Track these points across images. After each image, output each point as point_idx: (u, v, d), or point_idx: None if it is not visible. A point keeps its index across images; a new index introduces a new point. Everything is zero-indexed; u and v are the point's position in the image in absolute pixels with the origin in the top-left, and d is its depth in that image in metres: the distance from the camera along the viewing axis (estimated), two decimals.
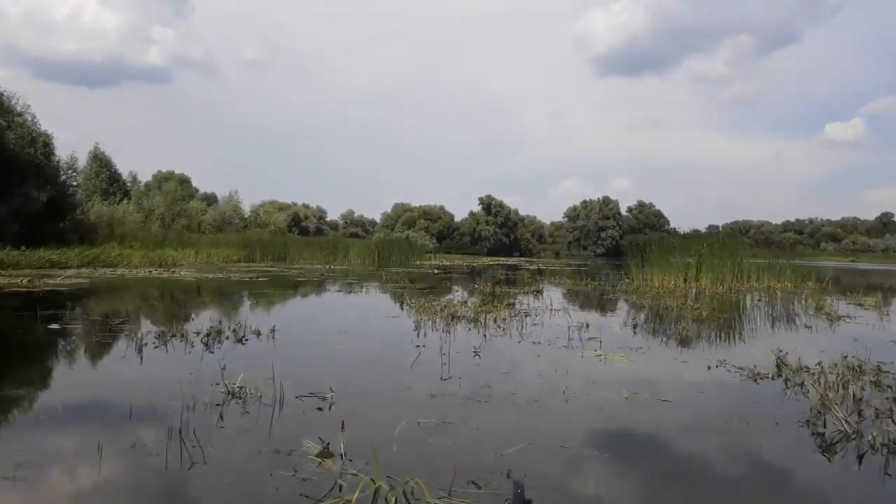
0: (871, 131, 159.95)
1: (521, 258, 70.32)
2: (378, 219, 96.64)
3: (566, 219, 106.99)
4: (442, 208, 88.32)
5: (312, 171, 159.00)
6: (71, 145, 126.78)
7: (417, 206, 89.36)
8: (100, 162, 37.66)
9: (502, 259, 59.54)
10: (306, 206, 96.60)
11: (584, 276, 25.62)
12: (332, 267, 29.07)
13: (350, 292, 15.21)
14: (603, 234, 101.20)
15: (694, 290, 17.31)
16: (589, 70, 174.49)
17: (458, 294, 14.96)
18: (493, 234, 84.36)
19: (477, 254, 79.50)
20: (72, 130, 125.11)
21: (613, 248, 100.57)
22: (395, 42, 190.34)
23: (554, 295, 15.38)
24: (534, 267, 37.39)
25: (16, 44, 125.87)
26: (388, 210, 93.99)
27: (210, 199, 76.43)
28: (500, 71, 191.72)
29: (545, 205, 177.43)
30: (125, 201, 34.63)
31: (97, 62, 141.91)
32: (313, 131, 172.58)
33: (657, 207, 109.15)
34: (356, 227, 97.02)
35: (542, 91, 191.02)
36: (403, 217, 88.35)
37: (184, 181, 77.36)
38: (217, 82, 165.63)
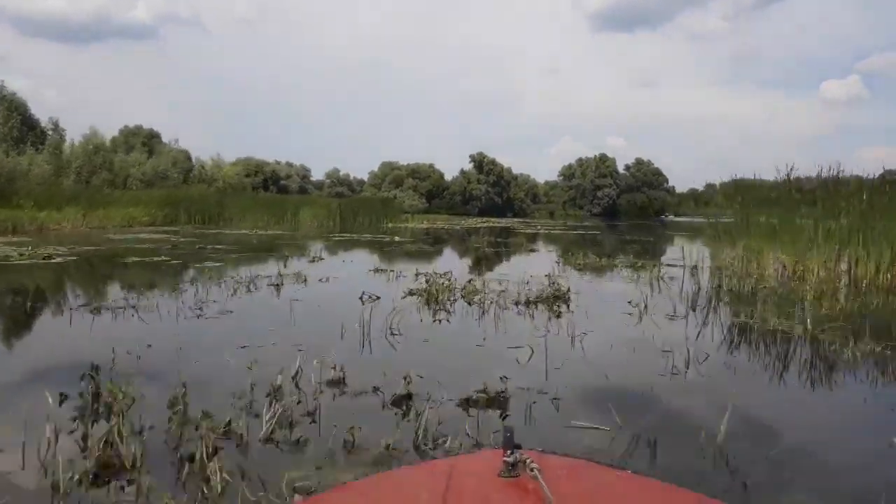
0: (868, 88, 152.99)
1: (515, 219, 63.77)
2: (367, 178, 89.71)
3: (561, 178, 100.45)
4: (431, 167, 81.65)
5: (301, 130, 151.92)
6: (57, 104, 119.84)
7: (405, 164, 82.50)
8: (8, 105, 30.80)
9: (494, 220, 53.03)
10: (290, 165, 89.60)
11: (593, 245, 19.34)
12: (270, 232, 22.68)
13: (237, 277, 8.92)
14: (599, 194, 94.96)
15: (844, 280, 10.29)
16: (585, 26, 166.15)
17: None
18: (484, 194, 77.84)
19: (468, 214, 73.10)
20: (57, 88, 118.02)
21: (610, 207, 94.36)
22: None
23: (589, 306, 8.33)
24: (530, 229, 31.12)
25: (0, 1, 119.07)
26: (376, 169, 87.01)
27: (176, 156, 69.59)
28: (495, 27, 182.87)
29: (539, 164, 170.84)
30: (33, 152, 27.94)
31: (83, 19, 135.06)
32: (303, 90, 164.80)
33: (656, 165, 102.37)
34: (342, 187, 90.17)
35: (536, 47, 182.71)
36: (391, 176, 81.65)
37: (153, 136, 70.56)
38: (206, 40, 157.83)
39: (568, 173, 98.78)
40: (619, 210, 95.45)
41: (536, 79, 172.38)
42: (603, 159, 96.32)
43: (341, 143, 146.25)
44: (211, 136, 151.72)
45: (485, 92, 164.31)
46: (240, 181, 49.70)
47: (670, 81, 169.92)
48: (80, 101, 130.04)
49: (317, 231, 23.92)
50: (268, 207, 28.25)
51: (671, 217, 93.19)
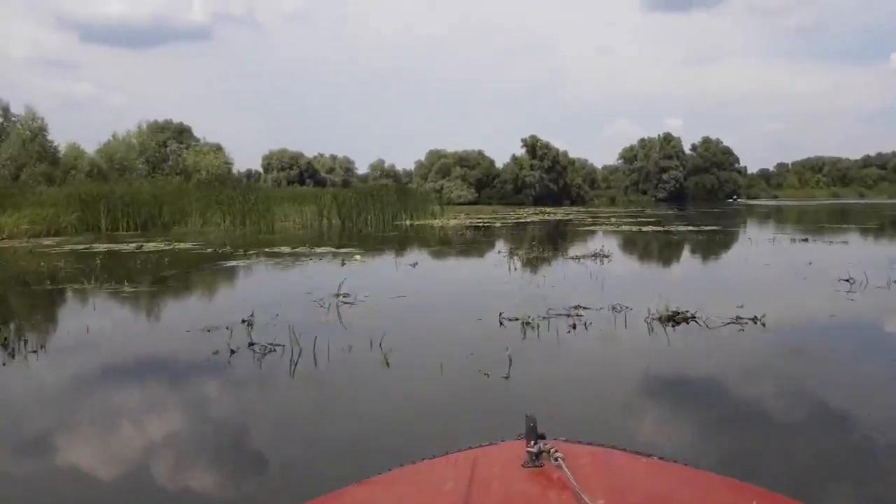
0: None
1: (573, 207, 55.31)
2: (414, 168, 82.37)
3: (621, 160, 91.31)
4: (480, 153, 73.78)
5: (350, 123, 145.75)
6: (119, 108, 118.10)
7: (453, 151, 74.60)
8: None
9: (549, 210, 44.79)
10: (333, 157, 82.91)
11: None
12: (185, 247, 15.28)
13: None
14: (664, 176, 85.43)
15: None
16: (637, 6, 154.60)
17: None
18: (538, 181, 69.52)
19: (521, 203, 64.90)
20: (120, 92, 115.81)
21: (677, 191, 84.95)
22: None
23: None
24: (596, 224, 23.19)
25: (63, 8, 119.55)
26: (423, 158, 79.44)
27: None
28: (544, 7, 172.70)
29: (593, 148, 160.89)
30: None
31: (143, 23, 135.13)
32: (351, 82, 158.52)
33: (725, 144, 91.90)
34: (387, 179, 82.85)
35: (587, 27, 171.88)
36: (437, 164, 74.13)
37: (183, 130, 64.51)
38: (258, 36, 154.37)
39: (629, 156, 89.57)
40: (686, 194, 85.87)
41: (587, 62, 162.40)
42: (668, 139, 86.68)
43: (390, 136, 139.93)
44: (260, 132, 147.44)
45: (534, 79, 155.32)
46: (227, 172, 41.69)
47: (729, 58, 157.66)
48: (141, 104, 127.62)
49: (312, 233, 16.65)
50: (230, 206, 20.97)
51: (744, 200, 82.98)
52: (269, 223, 21.25)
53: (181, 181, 27.30)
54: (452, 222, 23.82)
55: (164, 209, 19.83)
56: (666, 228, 20.06)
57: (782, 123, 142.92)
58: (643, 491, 1.28)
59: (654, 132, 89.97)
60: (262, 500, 2.82)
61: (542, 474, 1.26)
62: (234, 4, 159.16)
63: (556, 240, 18.17)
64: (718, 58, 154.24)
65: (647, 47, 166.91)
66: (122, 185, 21.98)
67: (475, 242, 15.75)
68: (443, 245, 14.84)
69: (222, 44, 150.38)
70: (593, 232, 20.68)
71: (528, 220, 27.89)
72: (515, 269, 9.73)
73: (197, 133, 63.77)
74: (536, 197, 69.14)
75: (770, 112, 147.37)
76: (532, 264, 10.40)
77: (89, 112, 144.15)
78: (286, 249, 13.26)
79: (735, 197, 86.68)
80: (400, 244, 16.13)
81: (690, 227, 19.94)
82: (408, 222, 23.94)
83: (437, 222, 23.74)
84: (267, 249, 12.92)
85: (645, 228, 19.62)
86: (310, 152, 76.74)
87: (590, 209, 51.85)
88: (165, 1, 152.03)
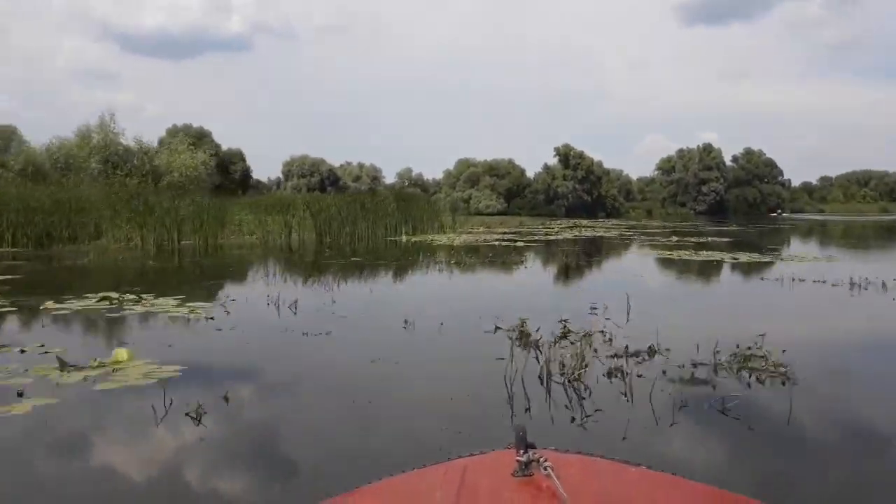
0: None
1: (609, 220, 50.81)
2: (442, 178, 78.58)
3: (658, 171, 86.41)
4: (511, 162, 69.85)
5: (382, 134, 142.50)
6: (157, 117, 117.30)
7: (482, 160, 70.62)
8: None
9: (585, 223, 40.42)
10: (360, 166, 79.51)
11: None
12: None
13: None
14: (704, 188, 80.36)
15: None
16: (673, 19, 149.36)
17: None
18: (571, 191, 65.14)
19: (553, 215, 60.70)
20: (157, 102, 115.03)
21: (717, 203, 79.76)
22: None
23: None
24: (639, 242, 18.95)
25: (107, 20, 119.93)
26: (451, 168, 75.63)
27: (233, 157, 60.74)
28: (579, 22, 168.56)
29: (627, 161, 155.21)
30: None
31: (181, 33, 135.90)
32: (386, 93, 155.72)
33: (768, 156, 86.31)
34: (415, 187, 79.14)
35: (622, 41, 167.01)
36: (466, 173, 70.23)
37: (203, 135, 61.73)
38: (295, 48, 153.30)
39: (667, 166, 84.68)
40: (726, 207, 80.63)
41: (621, 75, 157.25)
42: (708, 150, 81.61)
43: (422, 147, 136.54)
44: (291, 141, 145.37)
45: (569, 88, 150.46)
46: (207, 174, 36.18)
47: (765, 73, 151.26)
48: (176, 113, 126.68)
49: (195, 269, 12.00)
50: (147, 217, 15.78)
51: (788, 214, 77.38)
52: (209, 238, 16.69)
53: (137, 184, 23.15)
54: (462, 239, 19.28)
55: (72, 219, 15.75)
56: (758, 259, 15.28)
57: (820, 138, 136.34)
58: (631, 500, 1.28)
59: (687, 146, 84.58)
60: None
61: (531, 483, 1.25)
62: (272, 16, 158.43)
63: (589, 255, 14.00)
64: (755, 72, 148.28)
65: (683, 61, 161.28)
66: (43, 188, 17.81)
67: (476, 268, 11.61)
68: (413, 279, 10.64)
69: (259, 54, 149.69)
70: (630, 245, 16.37)
71: (559, 235, 23.41)
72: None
73: (217, 139, 61.01)
74: (569, 208, 64.82)
75: (807, 126, 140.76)
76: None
77: (128, 121, 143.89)
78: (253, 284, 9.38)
79: (780, 211, 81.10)
80: (394, 259, 12.04)
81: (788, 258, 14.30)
82: (405, 238, 19.67)
83: (443, 238, 19.21)
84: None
85: (735, 258, 14.19)
86: (337, 161, 73.57)
87: (629, 222, 47.29)
88: (205, 12, 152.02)
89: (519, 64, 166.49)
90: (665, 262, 13.19)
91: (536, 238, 21.25)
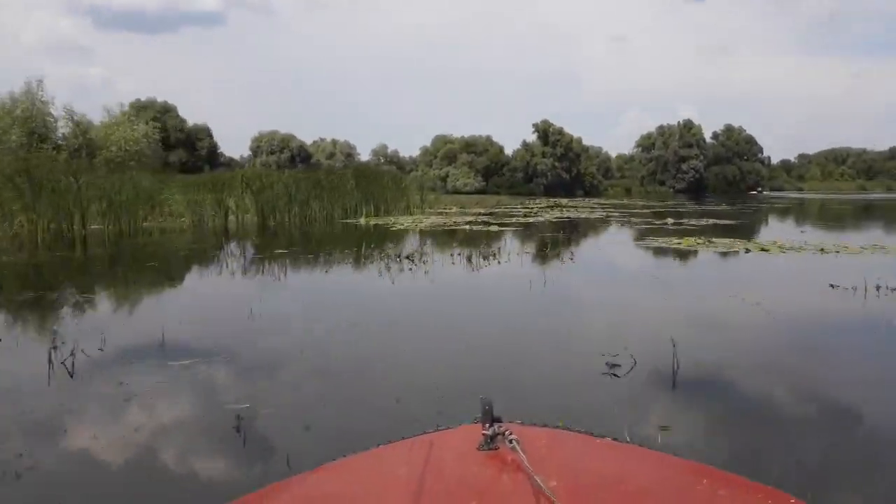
0: None
1: (590, 200, 48.96)
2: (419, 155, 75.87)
3: (638, 149, 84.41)
4: (489, 139, 67.50)
5: (360, 111, 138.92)
6: (130, 92, 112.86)
7: (459, 136, 68.15)
8: None
9: (565, 203, 38.48)
10: (334, 142, 76.69)
11: None
12: None
13: None
14: (684, 166, 78.85)
15: None
16: None
17: None
18: (550, 169, 63.11)
19: (532, 193, 58.72)
20: (130, 77, 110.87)
21: (696, 182, 78.33)
22: None
23: None
24: (628, 225, 16.97)
25: None
26: (429, 144, 73.09)
27: (200, 132, 57.77)
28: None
29: (606, 140, 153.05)
30: None
31: (156, 8, 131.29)
32: (362, 70, 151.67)
33: (748, 133, 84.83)
34: (390, 165, 76.58)
35: (601, 15, 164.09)
36: (443, 150, 67.67)
37: (167, 110, 58.99)
38: (272, 24, 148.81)
39: (647, 143, 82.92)
40: (705, 185, 79.10)
41: (602, 48, 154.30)
42: (688, 126, 79.94)
43: (398, 125, 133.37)
44: (266, 117, 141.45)
45: (548, 64, 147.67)
46: (153, 147, 32.83)
47: (747, 49, 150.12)
48: (150, 89, 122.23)
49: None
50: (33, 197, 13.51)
51: (767, 192, 76.17)
52: (130, 222, 14.22)
53: (66, 160, 20.39)
54: (429, 221, 17.00)
55: None
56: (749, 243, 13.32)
57: (801, 115, 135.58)
58: (596, 471, 1.28)
59: (667, 123, 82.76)
60: None
61: (496, 457, 1.25)
62: None
63: (571, 237, 11.72)
64: (736, 48, 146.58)
65: (662, 36, 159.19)
66: None
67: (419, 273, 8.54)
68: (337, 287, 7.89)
69: (234, 29, 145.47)
70: (688, 258, 14.26)
71: (539, 217, 21.23)
72: None
73: (188, 115, 57.99)
74: (547, 186, 62.85)
75: (788, 103, 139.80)
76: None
77: (101, 96, 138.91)
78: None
79: (759, 189, 79.92)
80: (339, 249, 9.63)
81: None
82: (364, 220, 17.33)
83: (407, 221, 16.90)
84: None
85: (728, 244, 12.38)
86: (311, 137, 70.75)
87: (610, 201, 45.35)
88: None
89: (498, 42, 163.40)
90: (683, 257, 10.59)
91: (516, 221, 19.02)
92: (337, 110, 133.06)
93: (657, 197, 63.01)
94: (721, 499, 1.16)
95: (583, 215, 23.96)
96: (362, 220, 17.40)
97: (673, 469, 1.33)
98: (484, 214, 21.67)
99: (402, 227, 15.19)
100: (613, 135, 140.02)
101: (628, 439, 1.43)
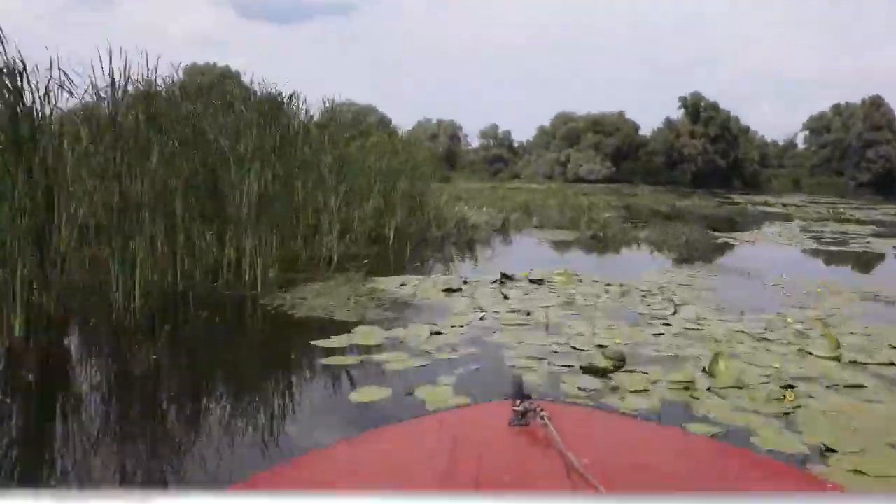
0: None
1: (751, 193, 34.12)
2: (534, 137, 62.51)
3: (807, 131, 66.13)
4: (621, 115, 52.92)
5: (486, 99, 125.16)
6: (265, 80, 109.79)
7: (584, 114, 54.10)
8: None
9: (728, 202, 24.33)
10: (439, 122, 64.84)
11: None
12: None
13: None
14: (870, 153, 60.27)
15: None
16: None
17: None
18: (701, 153, 47.63)
19: (676, 183, 43.79)
20: (267, 66, 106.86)
21: (886, 174, 59.22)
22: None
23: None
24: None
25: None
26: (547, 123, 59.60)
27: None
28: None
29: (750, 122, 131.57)
30: None
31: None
32: (489, 56, 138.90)
33: None
34: (500, 149, 63.57)
35: (739, 5, 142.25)
36: (562, 130, 53.86)
37: (227, 76, 48.60)
38: (400, 9, 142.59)
39: (818, 126, 64.55)
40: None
41: (738, 41, 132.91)
42: (876, 103, 60.94)
43: (512, 108, 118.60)
44: (407, 104, 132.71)
45: (683, 58, 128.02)
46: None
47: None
48: (287, 78, 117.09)
49: None
50: None
51: None
52: None
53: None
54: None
55: None
56: None
57: None
58: (626, 450, 1.26)
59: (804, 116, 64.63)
60: None
61: (527, 433, 1.23)
62: None
63: None
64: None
65: (802, 27, 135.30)
66: None
67: None
68: None
69: (361, 18, 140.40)
70: None
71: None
72: None
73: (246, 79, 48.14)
74: (697, 174, 47.70)
75: None
76: None
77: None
78: None
79: None
80: None
81: None
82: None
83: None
84: None
85: None
86: (413, 119, 59.76)
87: (796, 198, 30.56)
88: None
89: (630, 26, 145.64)
90: None
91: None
92: (457, 98, 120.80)
93: (833, 191, 47.30)
94: (755, 481, 1.14)
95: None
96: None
97: (704, 450, 1.34)
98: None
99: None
100: (761, 115, 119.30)
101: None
